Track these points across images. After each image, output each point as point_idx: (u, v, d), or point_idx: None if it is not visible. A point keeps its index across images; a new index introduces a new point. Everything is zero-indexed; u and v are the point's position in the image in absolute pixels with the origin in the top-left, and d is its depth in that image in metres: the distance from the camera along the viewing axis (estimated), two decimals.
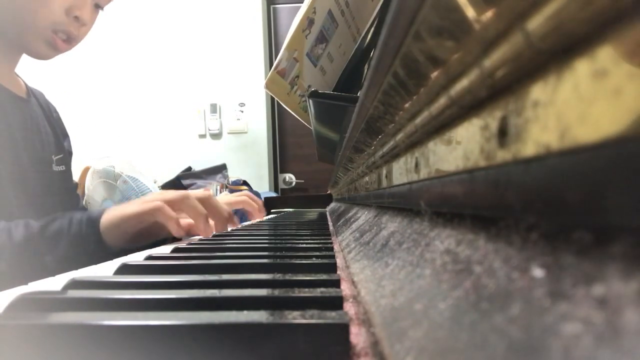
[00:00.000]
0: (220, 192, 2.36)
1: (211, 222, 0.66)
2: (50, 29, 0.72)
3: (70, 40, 0.75)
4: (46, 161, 0.78)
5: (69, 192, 0.85)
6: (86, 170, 1.82)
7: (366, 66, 0.91)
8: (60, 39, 0.73)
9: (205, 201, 0.63)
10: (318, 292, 0.25)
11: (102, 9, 0.78)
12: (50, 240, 0.56)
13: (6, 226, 0.56)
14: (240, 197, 0.92)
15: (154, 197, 0.61)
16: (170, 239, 0.70)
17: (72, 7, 0.72)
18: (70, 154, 0.88)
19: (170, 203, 0.59)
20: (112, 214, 0.60)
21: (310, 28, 0.86)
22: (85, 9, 0.74)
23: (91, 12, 0.76)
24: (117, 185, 1.70)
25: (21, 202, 0.70)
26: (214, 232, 0.66)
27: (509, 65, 0.14)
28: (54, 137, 0.82)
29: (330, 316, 0.20)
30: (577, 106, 0.11)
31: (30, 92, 0.81)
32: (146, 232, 0.62)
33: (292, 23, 0.88)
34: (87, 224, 0.58)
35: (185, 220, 0.65)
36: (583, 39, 0.11)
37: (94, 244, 0.58)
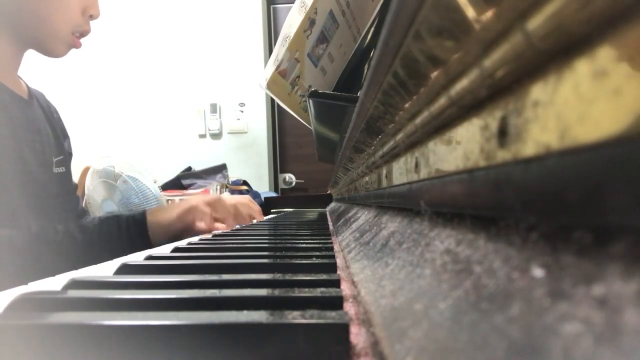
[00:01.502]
0: (221, 192, 2.36)
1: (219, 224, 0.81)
2: (71, 32, 0.75)
3: (82, 36, 0.79)
4: (47, 163, 0.78)
5: (68, 194, 0.85)
6: (86, 170, 1.82)
7: (366, 66, 0.91)
8: (76, 38, 0.77)
9: (217, 202, 0.80)
10: (318, 292, 0.25)
11: None
12: (106, 242, 0.67)
13: (64, 229, 0.64)
14: (242, 199, 0.95)
15: (193, 200, 0.77)
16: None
17: (87, 7, 0.76)
18: (70, 155, 0.89)
19: (207, 203, 0.77)
20: (158, 216, 0.73)
21: (311, 28, 0.86)
22: (97, 6, 0.78)
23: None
24: (117, 185, 1.70)
25: (22, 203, 0.70)
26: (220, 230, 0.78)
27: (509, 65, 0.14)
28: (54, 139, 0.82)
29: (330, 316, 0.20)
30: (577, 106, 0.11)
31: (32, 93, 0.82)
32: (185, 231, 0.74)
33: (285, 21, 0.88)
34: (135, 225, 0.70)
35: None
36: (583, 39, 0.11)
37: (142, 244, 0.68)
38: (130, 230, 0.70)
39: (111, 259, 0.63)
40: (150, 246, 0.69)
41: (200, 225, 0.75)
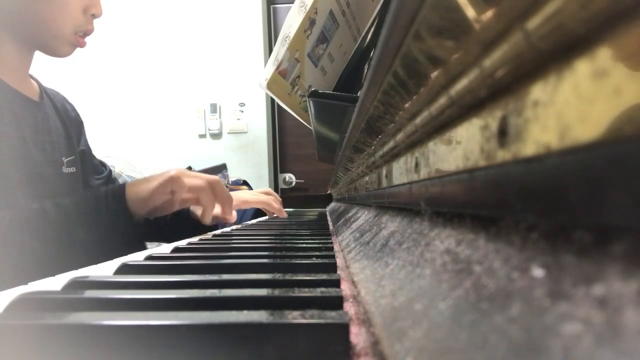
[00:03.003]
0: None
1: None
2: (73, 32, 0.75)
3: (86, 36, 0.79)
4: (56, 163, 0.78)
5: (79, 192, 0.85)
6: None
7: (366, 66, 0.91)
8: (80, 37, 0.77)
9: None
10: (318, 292, 0.25)
11: None
12: (82, 217, 0.62)
13: (38, 207, 0.60)
14: (261, 196, 0.98)
15: (173, 171, 0.68)
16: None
17: (88, 6, 0.76)
18: (84, 152, 0.89)
19: (186, 175, 0.69)
20: (136, 189, 0.67)
21: (311, 28, 0.86)
22: (99, 5, 0.78)
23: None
24: None
25: (30, 203, 0.71)
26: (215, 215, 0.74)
27: (509, 65, 0.14)
28: (65, 139, 0.82)
29: (330, 316, 0.20)
30: (577, 106, 0.11)
31: (44, 93, 0.82)
32: (167, 203, 0.69)
33: (285, 21, 0.88)
34: (114, 199, 0.66)
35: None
36: (583, 39, 0.11)
37: (123, 218, 0.65)
38: (109, 203, 0.66)
39: (91, 235, 0.62)
40: (132, 220, 0.67)
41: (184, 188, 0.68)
